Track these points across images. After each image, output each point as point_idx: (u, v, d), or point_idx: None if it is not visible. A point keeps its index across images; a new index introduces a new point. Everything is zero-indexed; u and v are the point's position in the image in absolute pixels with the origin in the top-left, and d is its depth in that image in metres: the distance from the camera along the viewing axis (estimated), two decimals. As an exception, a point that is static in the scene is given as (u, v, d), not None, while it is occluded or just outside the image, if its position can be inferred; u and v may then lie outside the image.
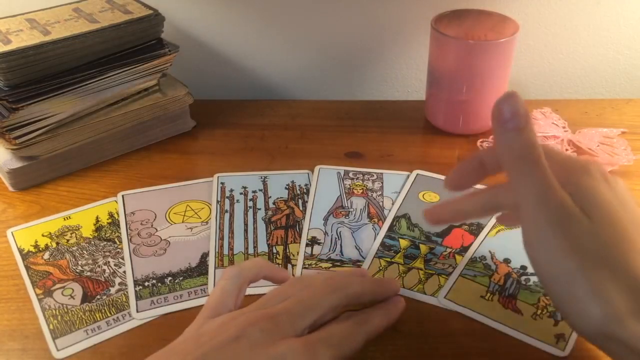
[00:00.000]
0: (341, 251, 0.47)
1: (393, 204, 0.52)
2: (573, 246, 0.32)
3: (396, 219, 0.50)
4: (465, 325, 0.41)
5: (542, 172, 0.33)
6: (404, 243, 0.48)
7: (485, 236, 0.48)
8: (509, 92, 0.33)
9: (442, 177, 0.55)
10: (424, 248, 0.47)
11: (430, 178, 0.55)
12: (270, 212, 0.52)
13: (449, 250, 0.47)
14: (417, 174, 0.55)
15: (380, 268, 0.46)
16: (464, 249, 0.47)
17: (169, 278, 0.45)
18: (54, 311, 0.43)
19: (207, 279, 0.45)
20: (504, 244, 0.47)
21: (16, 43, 0.51)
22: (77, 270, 0.46)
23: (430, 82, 0.61)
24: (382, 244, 0.48)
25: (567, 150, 0.57)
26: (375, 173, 0.56)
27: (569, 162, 0.36)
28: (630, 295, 0.30)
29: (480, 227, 0.49)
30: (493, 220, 0.49)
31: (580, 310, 0.31)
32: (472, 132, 0.61)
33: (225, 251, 0.48)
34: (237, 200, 0.53)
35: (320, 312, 0.36)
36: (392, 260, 0.46)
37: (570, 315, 0.32)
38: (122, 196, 0.54)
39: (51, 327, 0.42)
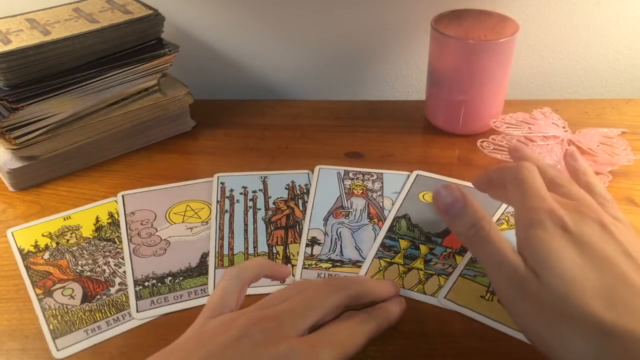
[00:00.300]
0: (341, 251, 0.47)
1: (393, 204, 0.52)
2: (534, 307, 0.33)
3: (396, 219, 0.50)
4: (465, 325, 0.41)
5: (491, 245, 0.36)
6: (404, 243, 0.48)
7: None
8: (443, 185, 0.39)
9: (442, 178, 0.55)
10: (424, 248, 0.47)
11: (430, 178, 0.55)
12: (270, 212, 0.52)
13: (449, 250, 0.47)
14: (417, 175, 0.55)
15: (380, 268, 0.46)
16: (464, 249, 0.47)
17: (169, 278, 0.45)
18: (54, 311, 0.43)
19: (207, 279, 0.45)
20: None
21: (16, 43, 0.51)
22: (77, 270, 0.46)
23: (430, 82, 0.61)
24: (382, 244, 0.48)
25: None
26: (375, 173, 0.56)
27: (524, 215, 0.36)
28: (594, 341, 0.31)
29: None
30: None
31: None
32: (472, 132, 0.61)
33: (225, 251, 0.48)
34: (237, 200, 0.53)
35: (322, 313, 0.36)
36: (392, 260, 0.46)
37: None
38: (122, 196, 0.54)
39: (51, 327, 0.42)
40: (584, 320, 0.31)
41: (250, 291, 0.40)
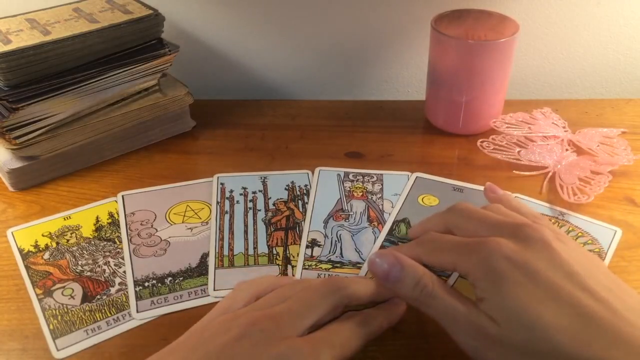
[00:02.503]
0: (341, 253, 0.47)
1: (392, 207, 0.52)
2: (499, 353, 0.33)
3: (396, 223, 0.50)
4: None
5: (439, 301, 0.36)
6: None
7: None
8: (375, 253, 0.39)
9: (442, 180, 0.55)
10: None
11: (430, 181, 0.55)
12: (270, 214, 0.52)
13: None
14: (417, 177, 0.55)
15: (380, 268, 0.46)
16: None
17: (169, 278, 0.45)
18: (54, 311, 0.43)
19: (207, 279, 0.45)
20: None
21: (16, 43, 0.51)
22: (77, 270, 0.46)
23: (430, 82, 0.61)
24: (382, 247, 0.48)
25: (566, 150, 0.57)
26: (375, 174, 0.56)
27: (469, 252, 0.36)
28: None
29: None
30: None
31: None
32: (472, 132, 0.61)
33: (225, 252, 0.48)
34: (237, 201, 0.53)
35: (321, 313, 0.36)
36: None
37: None
38: (122, 196, 0.54)
39: (51, 327, 0.42)
40: (551, 356, 0.31)
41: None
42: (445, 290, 0.36)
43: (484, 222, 0.38)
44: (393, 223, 0.50)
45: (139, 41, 0.57)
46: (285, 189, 0.54)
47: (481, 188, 0.52)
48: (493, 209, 0.40)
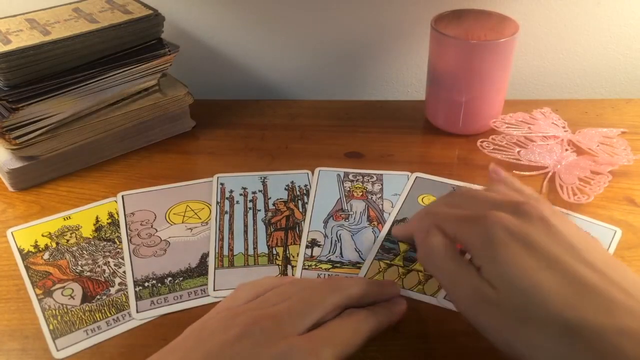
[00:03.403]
0: (341, 253, 0.47)
1: (392, 207, 0.52)
2: (497, 319, 0.33)
3: (396, 222, 0.50)
4: (465, 326, 0.41)
5: (446, 264, 0.36)
6: (403, 246, 0.48)
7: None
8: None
9: (441, 180, 0.55)
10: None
11: (430, 181, 0.55)
12: (270, 214, 0.52)
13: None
14: (417, 177, 0.55)
15: (380, 270, 0.46)
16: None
17: (169, 278, 0.45)
18: (54, 311, 0.43)
19: (206, 279, 0.45)
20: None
21: (16, 43, 0.51)
22: (77, 271, 0.46)
23: (430, 82, 0.61)
24: (382, 247, 0.48)
25: (566, 150, 0.57)
26: (375, 174, 0.56)
27: (470, 223, 0.36)
28: (562, 341, 0.31)
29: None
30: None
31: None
32: (472, 132, 0.61)
33: (225, 252, 0.48)
34: (237, 202, 0.53)
35: (322, 312, 0.36)
36: (392, 262, 0.46)
37: None
38: (122, 196, 0.54)
39: (51, 327, 0.42)
40: (548, 323, 0.31)
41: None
42: (453, 255, 0.37)
43: (485, 200, 0.39)
44: (393, 223, 0.50)
45: (139, 41, 0.57)
46: (285, 189, 0.54)
47: (481, 188, 0.53)
48: (495, 189, 0.41)
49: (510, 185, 0.42)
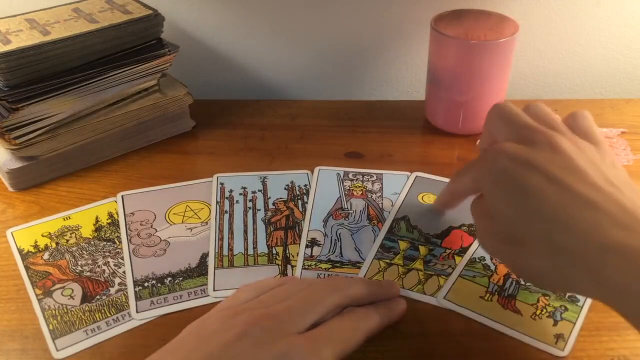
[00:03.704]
0: (341, 253, 0.47)
1: (392, 205, 0.52)
2: (493, 235, 0.38)
3: (395, 221, 0.50)
4: (465, 326, 0.41)
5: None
6: (403, 245, 0.48)
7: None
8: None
9: (441, 179, 0.55)
10: (423, 249, 0.47)
11: (430, 180, 0.55)
12: (269, 213, 0.52)
13: (448, 251, 0.47)
14: (417, 176, 0.55)
15: (380, 269, 0.46)
16: (463, 250, 0.47)
17: (169, 278, 0.45)
18: (53, 311, 0.43)
19: (206, 279, 0.45)
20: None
21: (16, 43, 0.51)
22: (77, 271, 0.46)
23: (430, 82, 0.61)
24: (382, 245, 0.48)
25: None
26: (375, 174, 0.56)
27: (480, 164, 0.40)
28: (547, 259, 0.33)
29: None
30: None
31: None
32: (472, 132, 0.61)
33: (225, 252, 0.48)
34: (237, 201, 0.53)
35: (322, 312, 0.36)
36: (392, 261, 0.46)
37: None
38: (122, 196, 0.54)
39: (51, 327, 0.42)
40: (533, 244, 0.34)
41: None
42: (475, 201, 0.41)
43: (512, 125, 0.39)
44: (393, 221, 0.50)
45: (139, 41, 0.57)
46: (285, 188, 0.54)
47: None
48: (531, 110, 0.40)
49: (540, 116, 0.40)
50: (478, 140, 0.59)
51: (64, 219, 0.51)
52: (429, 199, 0.52)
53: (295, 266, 0.46)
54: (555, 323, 0.41)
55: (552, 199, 0.33)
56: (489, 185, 0.37)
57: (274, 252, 0.48)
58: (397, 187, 0.54)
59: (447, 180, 0.55)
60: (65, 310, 0.43)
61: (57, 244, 0.49)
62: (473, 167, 0.41)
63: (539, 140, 0.36)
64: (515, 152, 0.35)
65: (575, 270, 0.32)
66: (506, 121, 0.39)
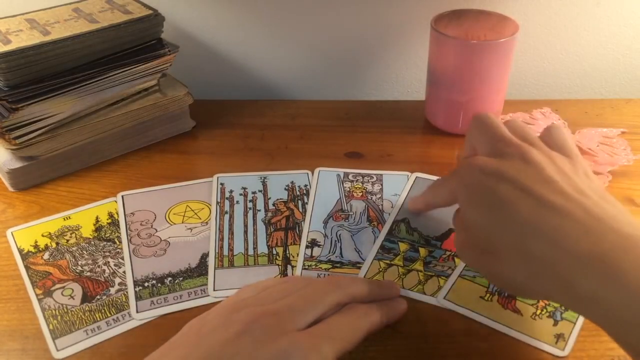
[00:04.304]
0: (341, 253, 0.47)
1: (392, 207, 0.52)
2: (472, 248, 0.38)
3: (395, 223, 0.50)
4: (465, 326, 0.41)
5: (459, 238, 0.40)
6: (403, 246, 0.48)
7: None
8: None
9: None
10: (423, 251, 0.47)
11: (430, 181, 0.55)
12: (270, 214, 0.52)
13: (448, 253, 0.47)
14: (417, 177, 0.55)
15: (380, 270, 0.46)
16: None
17: (169, 278, 0.45)
18: (53, 311, 0.43)
19: (206, 279, 0.45)
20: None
21: (16, 43, 0.51)
22: (77, 271, 0.46)
23: (430, 82, 0.61)
24: (382, 247, 0.48)
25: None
26: (375, 174, 0.56)
27: (454, 176, 0.41)
28: (521, 269, 0.34)
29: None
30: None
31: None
32: (472, 132, 0.61)
33: (225, 252, 0.48)
34: (237, 202, 0.53)
35: (322, 310, 0.36)
36: (392, 262, 0.46)
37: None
38: (122, 196, 0.54)
39: (51, 327, 0.42)
40: (507, 254, 0.34)
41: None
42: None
43: (488, 138, 0.40)
44: (393, 223, 0.50)
45: (139, 41, 0.57)
46: (285, 189, 0.54)
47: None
48: (509, 125, 0.41)
49: (516, 130, 0.41)
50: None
51: (64, 219, 0.51)
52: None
53: (296, 266, 0.46)
54: (556, 323, 0.41)
55: (523, 208, 0.34)
56: (463, 198, 0.39)
57: (274, 252, 0.48)
58: (397, 188, 0.54)
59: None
60: (66, 310, 0.43)
61: (57, 244, 0.49)
62: (449, 179, 0.43)
63: (511, 152, 0.37)
64: (486, 164, 0.37)
65: (548, 279, 0.33)
66: (483, 133, 0.40)
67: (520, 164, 0.36)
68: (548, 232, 0.33)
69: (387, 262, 0.46)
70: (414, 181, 0.55)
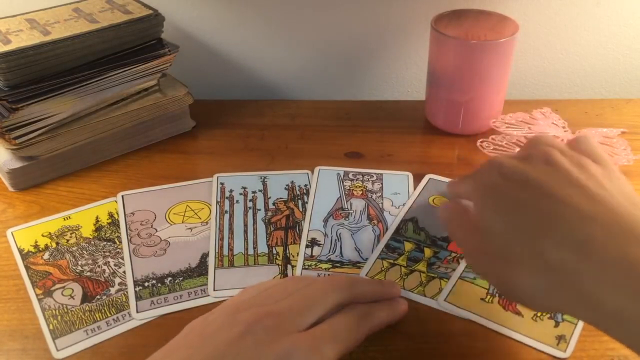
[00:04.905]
0: (341, 253, 0.47)
1: (395, 205, 0.52)
2: (488, 257, 0.35)
3: (403, 222, 0.50)
4: (466, 326, 0.41)
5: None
6: (408, 246, 0.48)
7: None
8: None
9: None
10: (428, 252, 0.47)
11: (443, 183, 0.54)
12: (270, 213, 0.52)
13: (453, 255, 0.47)
14: (430, 178, 0.55)
15: (383, 269, 0.46)
16: None
17: (169, 278, 0.45)
18: (54, 311, 0.43)
19: (206, 279, 0.45)
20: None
21: (16, 43, 0.51)
22: (77, 271, 0.46)
23: (430, 82, 0.61)
24: (387, 245, 0.48)
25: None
26: (375, 174, 0.56)
27: (475, 175, 0.39)
28: (541, 277, 0.31)
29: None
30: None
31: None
32: (472, 132, 0.61)
33: (225, 252, 0.48)
34: (237, 201, 0.53)
35: (323, 309, 0.36)
36: (395, 262, 0.46)
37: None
38: (122, 196, 0.54)
39: (51, 327, 0.42)
40: (525, 262, 0.32)
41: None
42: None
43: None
44: (401, 222, 0.50)
45: (139, 41, 0.57)
46: (285, 188, 0.54)
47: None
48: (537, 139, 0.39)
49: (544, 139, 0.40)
50: (478, 141, 0.58)
51: (64, 219, 0.51)
52: (439, 201, 0.52)
53: (296, 266, 0.46)
54: (557, 324, 0.41)
55: (544, 213, 0.32)
56: (480, 200, 0.36)
57: (274, 252, 0.48)
58: (397, 187, 0.54)
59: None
60: (66, 310, 0.43)
61: (57, 243, 0.49)
62: (468, 179, 0.40)
63: (534, 154, 0.35)
64: (507, 165, 0.35)
65: (569, 291, 0.30)
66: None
67: (544, 166, 0.34)
68: (572, 238, 0.30)
69: (391, 261, 0.46)
70: (427, 182, 0.54)
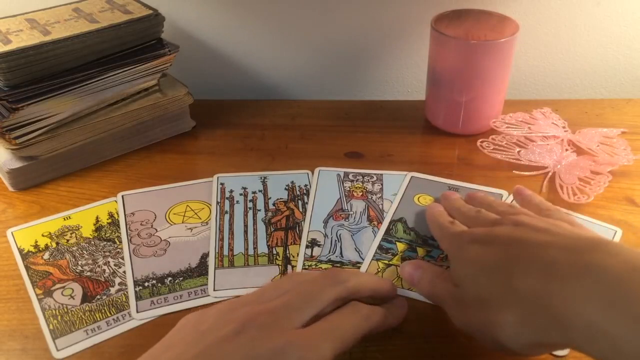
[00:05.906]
0: (341, 253, 0.47)
1: (390, 207, 0.52)
2: (464, 312, 0.37)
3: (392, 223, 0.50)
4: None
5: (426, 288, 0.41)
6: (401, 246, 0.48)
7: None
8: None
9: (437, 179, 0.55)
10: (421, 251, 0.47)
11: (425, 180, 0.55)
12: (270, 214, 0.52)
13: (445, 253, 0.47)
14: (412, 177, 0.55)
15: (379, 270, 0.46)
16: None
17: (169, 278, 0.45)
18: (54, 311, 0.43)
19: (206, 279, 0.45)
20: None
21: (16, 43, 0.51)
22: (77, 270, 0.46)
23: (430, 82, 0.61)
24: (380, 247, 0.48)
25: (566, 150, 0.57)
26: (375, 174, 0.56)
27: (445, 244, 0.44)
28: (516, 313, 0.33)
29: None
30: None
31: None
32: (472, 132, 0.61)
33: (225, 252, 0.48)
34: (237, 201, 0.53)
35: (320, 306, 0.36)
36: (390, 262, 0.46)
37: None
38: (122, 196, 0.54)
39: (51, 327, 0.42)
40: (498, 298, 0.34)
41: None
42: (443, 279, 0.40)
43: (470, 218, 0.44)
44: (390, 223, 0.50)
45: (139, 41, 0.57)
46: (285, 189, 0.54)
47: (479, 188, 0.53)
48: (484, 205, 0.45)
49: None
50: (478, 141, 0.58)
51: (64, 219, 0.51)
52: (424, 200, 0.52)
53: (296, 266, 0.46)
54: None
55: (510, 255, 0.35)
56: (454, 266, 0.39)
57: (275, 252, 0.48)
58: (397, 188, 0.54)
59: (443, 180, 0.55)
60: (66, 310, 0.43)
61: (57, 243, 0.49)
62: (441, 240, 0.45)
63: (503, 221, 0.40)
64: (478, 232, 0.39)
65: (542, 316, 0.31)
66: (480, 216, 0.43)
67: (512, 227, 0.38)
68: (537, 264, 0.33)
69: (386, 262, 0.46)
70: (410, 181, 0.55)
